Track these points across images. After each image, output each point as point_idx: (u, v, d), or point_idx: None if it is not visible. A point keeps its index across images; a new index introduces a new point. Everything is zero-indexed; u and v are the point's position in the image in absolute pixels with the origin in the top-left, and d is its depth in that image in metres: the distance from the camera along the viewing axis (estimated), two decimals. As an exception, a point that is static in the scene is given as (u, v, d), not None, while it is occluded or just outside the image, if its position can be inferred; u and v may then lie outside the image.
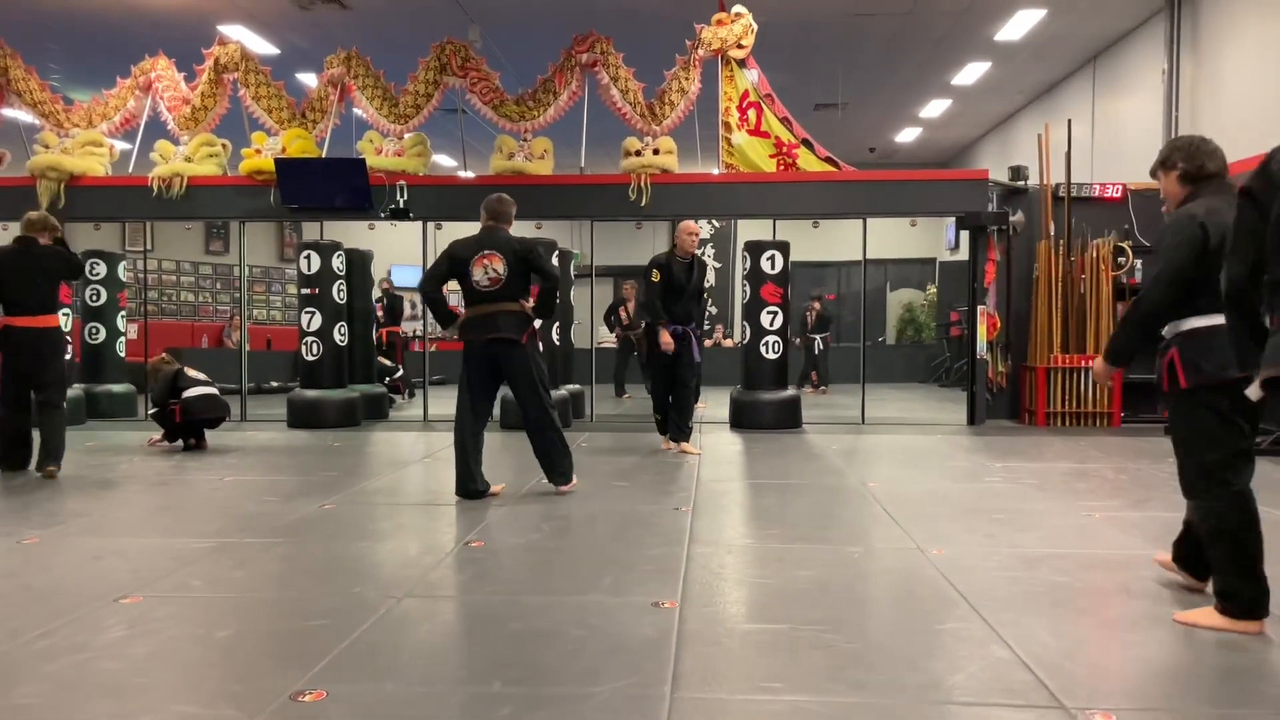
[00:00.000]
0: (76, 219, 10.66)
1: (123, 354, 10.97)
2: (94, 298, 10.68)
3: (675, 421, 7.61)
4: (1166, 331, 3.32)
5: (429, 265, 5.52)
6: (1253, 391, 2.70)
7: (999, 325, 9.90)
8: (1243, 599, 3.15)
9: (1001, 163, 13.80)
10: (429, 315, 14.57)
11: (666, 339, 7.37)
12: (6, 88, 10.44)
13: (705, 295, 8.32)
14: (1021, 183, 10.25)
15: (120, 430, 9.30)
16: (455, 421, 5.58)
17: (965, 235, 10.20)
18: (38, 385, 6.50)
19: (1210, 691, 2.71)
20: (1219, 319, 3.05)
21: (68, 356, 9.26)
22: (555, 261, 9.44)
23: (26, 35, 11.27)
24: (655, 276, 7.47)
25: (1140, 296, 3.31)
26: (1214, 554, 3.26)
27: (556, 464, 5.66)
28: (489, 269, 5.49)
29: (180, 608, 3.43)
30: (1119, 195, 10.18)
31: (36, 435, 6.49)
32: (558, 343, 9.74)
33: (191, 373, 7.91)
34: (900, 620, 3.33)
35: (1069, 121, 10.64)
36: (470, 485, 5.50)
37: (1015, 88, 14.74)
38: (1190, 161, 3.35)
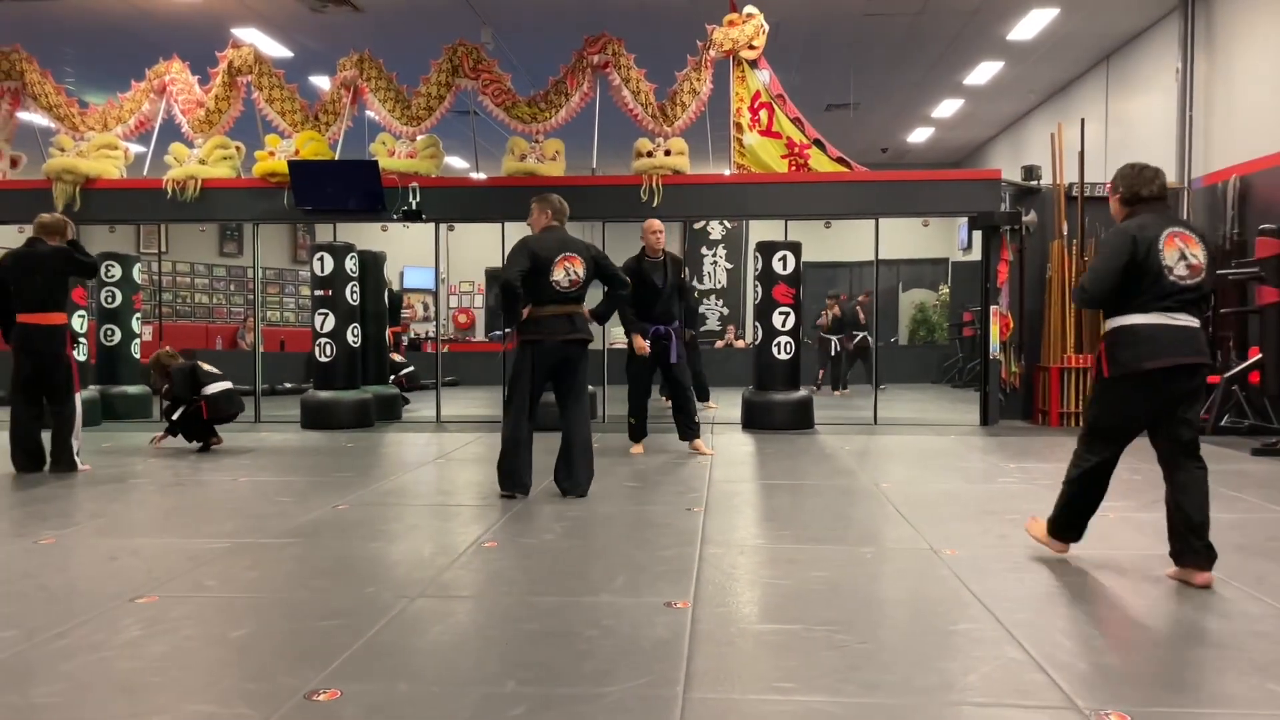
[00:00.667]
0: (92, 221, 10.73)
1: (138, 356, 11.03)
2: (109, 300, 10.75)
3: (681, 422, 7.61)
4: (1107, 325, 3.95)
5: (505, 259, 5.48)
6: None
7: (1012, 325, 9.87)
8: (1055, 523, 4.10)
9: (1014, 162, 13.77)
10: (440, 316, 14.62)
11: (641, 344, 7.39)
12: (22, 91, 10.51)
13: (693, 291, 8.15)
14: (1034, 182, 10.22)
15: (135, 431, 9.34)
16: (511, 419, 5.57)
17: (978, 235, 10.17)
18: (44, 387, 6.64)
19: (1225, 691, 2.70)
20: (1140, 318, 3.79)
21: (81, 358, 9.32)
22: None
23: (42, 39, 11.35)
24: None
25: (1080, 285, 3.94)
26: (1062, 489, 4.08)
27: (579, 477, 5.63)
28: (570, 271, 5.50)
29: (195, 607, 3.45)
30: (1133, 195, 10.13)
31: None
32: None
33: (207, 368, 7.92)
34: (913, 621, 3.33)
35: (1082, 121, 10.59)
36: (526, 481, 5.54)
37: (1028, 87, 14.69)
38: (1129, 189, 3.97)
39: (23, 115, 10.86)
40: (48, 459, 6.65)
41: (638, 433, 7.76)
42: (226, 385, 7.83)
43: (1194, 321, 3.81)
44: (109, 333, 10.75)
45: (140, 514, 5.29)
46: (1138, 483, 6.19)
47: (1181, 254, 3.75)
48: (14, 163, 10.78)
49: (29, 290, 6.55)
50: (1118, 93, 12.83)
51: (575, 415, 5.65)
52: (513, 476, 5.54)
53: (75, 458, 6.64)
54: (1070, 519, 4.05)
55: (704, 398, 10.21)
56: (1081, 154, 10.12)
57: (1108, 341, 3.88)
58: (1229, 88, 10.13)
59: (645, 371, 7.67)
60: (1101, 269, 3.83)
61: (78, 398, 6.77)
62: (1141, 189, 3.93)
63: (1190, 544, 3.74)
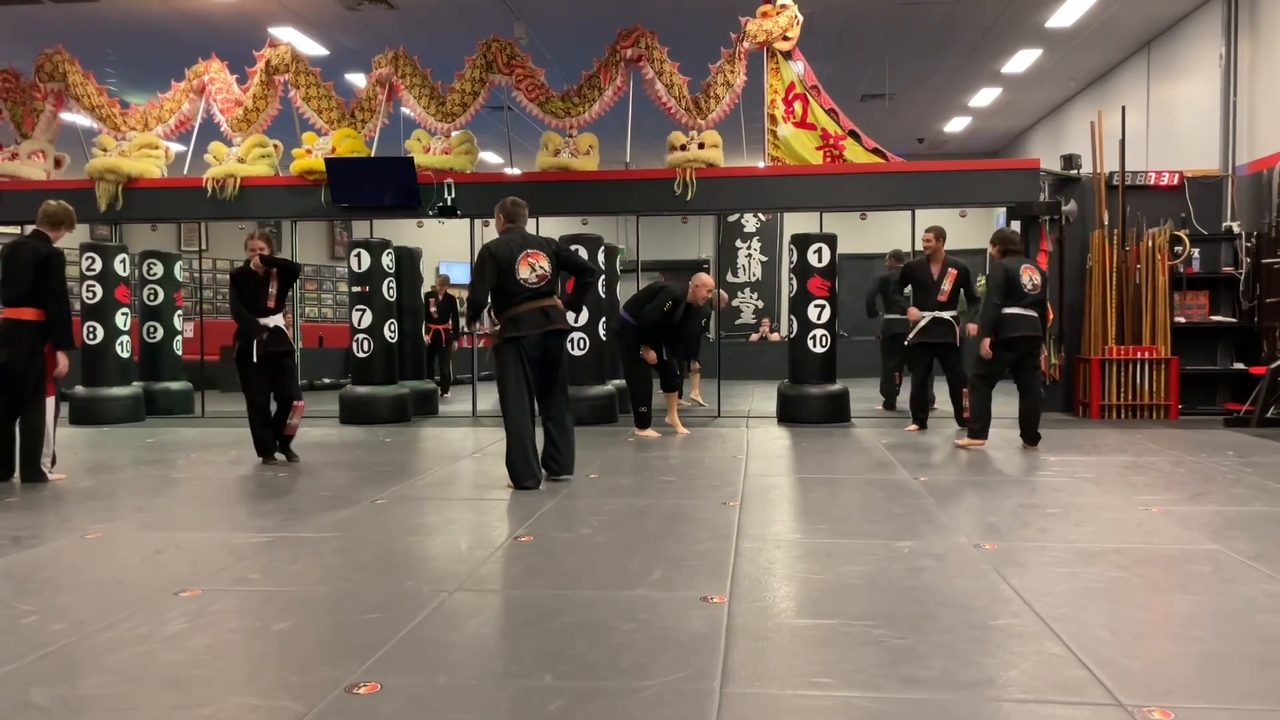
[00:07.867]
0: (134, 220, 10.91)
1: (180, 352, 11.20)
2: (151, 297, 10.91)
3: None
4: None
5: (476, 274, 5.75)
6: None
7: (1052, 316, 9.73)
8: (975, 431, 7.36)
9: (1053, 151, 13.57)
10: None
11: (650, 356, 8.22)
12: (65, 92, 10.69)
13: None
14: (1074, 171, 10.08)
15: (178, 427, 9.49)
16: (517, 416, 5.71)
17: (1016, 226, 10.04)
18: (15, 385, 6.06)
19: (1272, 687, 2.65)
20: (1010, 310, 7.24)
21: (125, 355, 9.34)
22: (601, 257, 9.47)
23: (84, 41, 11.52)
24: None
25: (984, 307, 7.65)
26: (969, 405, 7.53)
27: (568, 458, 5.91)
28: (536, 266, 5.72)
29: (238, 601, 3.49)
30: (1175, 183, 9.97)
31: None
32: (604, 338, 9.69)
33: None
34: (952, 616, 3.29)
35: (1123, 108, 10.43)
36: (539, 474, 5.75)
37: (1067, 75, 14.48)
38: (1008, 244, 7.45)
39: (66, 116, 11.04)
40: (16, 468, 6.11)
41: (646, 420, 8.43)
42: None
43: (1034, 313, 7.24)
44: (151, 330, 10.90)
45: (183, 508, 5.37)
46: (1182, 475, 6.11)
47: (1030, 277, 7.25)
48: (58, 163, 10.97)
49: (14, 284, 6.07)
50: (1159, 79, 12.61)
51: (560, 403, 5.92)
52: (526, 469, 5.70)
53: (45, 469, 6.08)
54: (981, 419, 7.38)
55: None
56: (1123, 142, 9.96)
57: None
58: (1274, 74, 9.92)
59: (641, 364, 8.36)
60: (991, 293, 7.34)
61: (49, 403, 6.13)
62: (1017, 246, 7.47)
63: (1026, 432, 7.35)
